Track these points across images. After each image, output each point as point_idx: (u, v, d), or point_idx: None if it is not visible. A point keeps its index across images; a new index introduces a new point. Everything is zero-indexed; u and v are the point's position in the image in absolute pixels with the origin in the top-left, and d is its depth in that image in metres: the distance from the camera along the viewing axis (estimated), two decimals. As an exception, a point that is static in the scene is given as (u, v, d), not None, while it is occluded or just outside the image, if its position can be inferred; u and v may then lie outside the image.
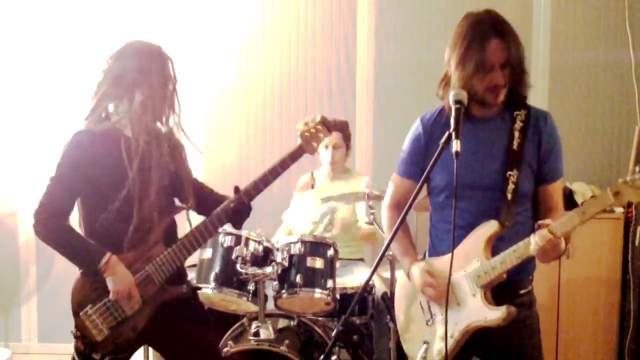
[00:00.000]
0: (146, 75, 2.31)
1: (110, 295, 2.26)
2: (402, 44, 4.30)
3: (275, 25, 4.35)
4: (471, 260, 2.09)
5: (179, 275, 2.46)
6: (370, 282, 3.16)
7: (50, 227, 2.24)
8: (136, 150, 2.29)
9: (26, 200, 4.41)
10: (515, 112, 2.13)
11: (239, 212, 2.43)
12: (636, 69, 4.13)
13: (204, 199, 2.56)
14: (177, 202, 2.51)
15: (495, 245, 2.08)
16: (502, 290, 2.08)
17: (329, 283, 2.95)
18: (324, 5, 4.32)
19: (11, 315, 4.48)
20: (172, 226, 2.45)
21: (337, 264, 3.10)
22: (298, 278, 2.91)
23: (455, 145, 1.81)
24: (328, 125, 2.46)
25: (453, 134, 1.84)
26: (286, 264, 2.96)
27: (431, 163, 1.89)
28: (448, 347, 2.08)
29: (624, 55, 4.14)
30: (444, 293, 1.97)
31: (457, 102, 1.90)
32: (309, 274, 2.93)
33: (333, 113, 4.22)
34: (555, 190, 2.16)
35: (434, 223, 2.30)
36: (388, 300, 2.93)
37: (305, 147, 2.46)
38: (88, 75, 4.33)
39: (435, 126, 2.23)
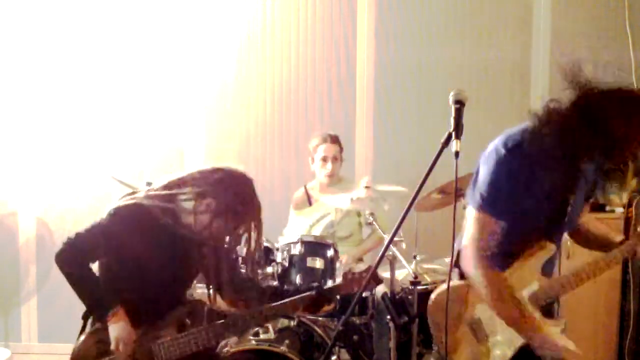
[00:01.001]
0: (228, 213, 2.31)
1: (112, 345, 2.26)
2: (402, 44, 4.29)
3: (275, 26, 4.35)
4: (530, 282, 2.17)
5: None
6: (370, 282, 3.15)
7: (69, 263, 2.28)
8: (183, 245, 2.34)
9: (26, 200, 4.41)
10: None
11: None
12: (636, 69, 4.13)
13: (240, 289, 2.55)
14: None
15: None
16: None
17: (329, 283, 2.95)
18: (324, 6, 4.31)
19: (11, 315, 4.47)
20: (198, 312, 2.46)
21: (337, 264, 3.10)
22: (298, 278, 2.91)
23: (455, 146, 1.81)
24: (376, 280, 2.46)
25: (453, 134, 1.84)
26: (286, 264, 2.96)
27: (432, 161, 1.88)
28: None
29: (624, 55, 4.14)
30: None
31: (457, 102, 1.90)
32: (309, 274, 2.94)
33: (333, 113, 4.23)
34: None
35: None
36: (388, 300, 2.93)
37: (344, 288, 2.44)
38: (88, 75, 4.34)
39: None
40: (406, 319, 2.33)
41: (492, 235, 2.04)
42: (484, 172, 2.07)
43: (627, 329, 3.81)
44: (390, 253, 2.96)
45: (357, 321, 3.19)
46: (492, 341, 2.18)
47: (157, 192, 2.35)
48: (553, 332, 2.11)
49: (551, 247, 2.18)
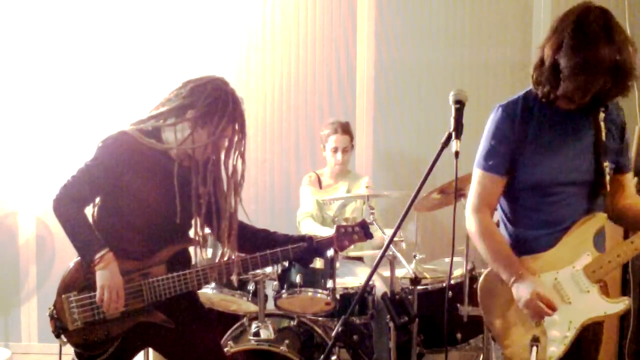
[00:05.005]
0: (211, 118, 2.28)
1: (97, 291, 2.25)
2: (402, 44, 4.30)
3: (276, 26, 4.35)
4: (580, 255, 2.08)
5: (192, 308, 2.47)
6: (370, 282, 3.16)
7: (63, 206, 2.29)
8: (176, 173, 2.30)
9: (26, 200, 4.41)
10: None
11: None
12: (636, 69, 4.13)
13: (245, 240, 2.48)
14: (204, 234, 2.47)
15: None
16: None
17: (329, 283, 2.96)
18: (324, 6, 4.31)
19: (11, 315, 4.47)
20: (184, 255, 2.44)
21: (337, 264, 3.10)
22: (298, 278, 2.92)
23: (455, 146, 1.82)
24: (366, 232, 2.45)
25: (453, 134, 1.84)
26: (286, 264, 2.96)
27: (432, 161, 1.89)
28: (564, 345, 2.06)
29: (624, 56, 4.13)
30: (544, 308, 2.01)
31: (457, 102, 1.90)
32: (309, 274, 2.94)
33: (333, 113, 4.23)
34: (629, 180, 2.22)
35: (521, 220, 2.18)
36: (388, 300, 2.93)
37: (336, 241, 2.43)
38: (88, 75, 4.34)
39: (523, 113, 2.15)
40: (406, 319, 2.32)
41: (485, 189, 2.08)
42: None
43: (627, 329, 3.81)
44: (391, 253, 2.97)
45: (357, 321, 3.19)
46: (548, 321, 2.06)
47: (140, 119, 2.39)
48: (539, 284, 2.02)
49: (601, 216, 2.09)
